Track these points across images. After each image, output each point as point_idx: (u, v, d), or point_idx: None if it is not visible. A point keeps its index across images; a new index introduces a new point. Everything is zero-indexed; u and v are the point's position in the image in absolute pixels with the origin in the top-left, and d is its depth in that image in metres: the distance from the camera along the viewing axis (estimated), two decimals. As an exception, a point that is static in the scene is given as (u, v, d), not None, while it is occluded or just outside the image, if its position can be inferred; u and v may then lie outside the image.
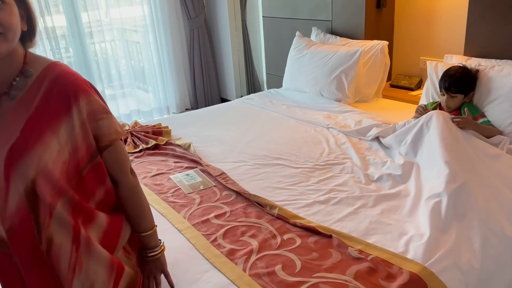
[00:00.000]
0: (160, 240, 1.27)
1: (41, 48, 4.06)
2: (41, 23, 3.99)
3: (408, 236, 1.45)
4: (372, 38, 3.05)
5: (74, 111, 1.00)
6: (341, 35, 3.18)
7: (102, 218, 1.09)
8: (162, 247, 1.27)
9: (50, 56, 4.10)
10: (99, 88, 4.43)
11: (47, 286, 1.04)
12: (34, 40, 1.03)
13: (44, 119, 0.97)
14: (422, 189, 1.72)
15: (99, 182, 1.10)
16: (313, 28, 3.34)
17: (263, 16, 3.93)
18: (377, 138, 2.23)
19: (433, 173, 1.72)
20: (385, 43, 2.87)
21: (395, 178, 1.84)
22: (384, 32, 3.16)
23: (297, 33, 3.31)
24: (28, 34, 1.01)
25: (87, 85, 1.04)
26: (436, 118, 1.92)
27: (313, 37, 3.32)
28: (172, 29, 4.67)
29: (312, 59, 3.00)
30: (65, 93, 0.99)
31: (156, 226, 1.25)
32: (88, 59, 4.27)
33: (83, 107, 1.01)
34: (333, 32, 3.27)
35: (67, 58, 4.28)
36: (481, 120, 2.09)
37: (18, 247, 0.99)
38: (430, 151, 1.84)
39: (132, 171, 1.17)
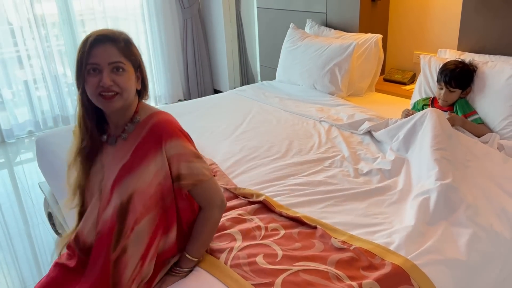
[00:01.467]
0: (190, 270, 1.32)
1: (31, 36, 4.01)
2: (31, 10, 3.93)
3: (393, 229, 1.44)
4: (366, 31, 3.02)
5: (163, 150, 1.24)
6: (335, 28, 3.16)
7: (173, 234, 1.30)
8: (184, 273, 1.32)
9: (38, 44, 4.05)
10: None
11: None
12: (147, 95, 1.34)
13: (145, 151, 1.24)
14: (411, 185, 1.72)
15: (188, 203, 1.33)
16: (307, 20, 3.31)
17: (257, 7, 3.90)
18: (369, 132, 2.22)
19: (423, 171, 1.71)
20: (379, 36, 2.85)
21: (384, 173, 1.83)
22: (379, 26, 3.14)
23: (291, 24, 3.28)
24: (142, 91, 1.32)
25: (179, 132, 1.27)
26: (430, 116, 1.90)
27: (307, 29, 3.29)
28: (165, 18, 4.63)
29: (306, 52, 2.98)
30: (158, 136, 1.25)
31: (198, 260, 1.33)
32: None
33: (170, 148, 1.25)
34: (327, 24, 3.24)
35: (57, 46, 4.23)
36: (472, 118, 2.09)
37: (97, 251, 1.21)
38: (421, 148, 1.83)
39: (222, 205, 1.34)
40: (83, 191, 1.34)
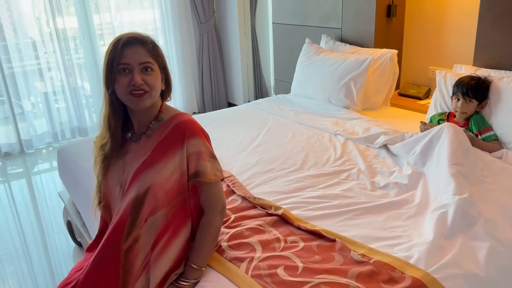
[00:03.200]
0: (196, 281, 1.32)
1: (51, 49, 4.12)
2: (52, 24, 4.05)
3: (412, 243, 1.44)
4: (381, 47, 3.06)
5: (185, 147, 1.31)
6: (350, 43, 3.20)
7: (188, 229, 1.35)
8: (191, 285, 1.31)
9: (59, 56, 4.15)
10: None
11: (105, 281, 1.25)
12: (170, 96, 1.41)
13: (167, 147, 1.31)
14: (428, 199, 1.72)
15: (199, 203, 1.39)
16: (322, 36, 3.36)
17: (273, 23, 3.96)
18: (384, 146, 2.23)
19: (440, 185, 1.72)
20: (395, 51, 2.88)
21: (401, 187, 1.84)
22: (394, 41, 3.17)
23: (307, 40, 3.33)
24: (166, 92, 1.39)
25: (200, 132, 1.35)
26: (446, 131, 1.91)
27: (322, 44, 3.33)
28: (182, 33, 4.72)
29: (321, 66, 3.02)
30: (182, 134, 1.32)
31: (203, 269, 1.34)
32: (98, 61, 4.32)
33: (191, 146, 1.32)
34: (342, 40, 3.28)
35: (77, 59, 4.33)
36: (487, 134, 2.09)
37: (109, 240, 1.26)
38: (438, 163, 1.83)
39: (223, 211, 1.39)
40: (101, 186, 1.42)
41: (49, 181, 3.56)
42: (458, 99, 2.15)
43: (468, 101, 2.13)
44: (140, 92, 1.27)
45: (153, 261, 1.28)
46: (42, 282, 2.32)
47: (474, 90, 2.11)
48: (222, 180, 1.41)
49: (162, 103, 1.40)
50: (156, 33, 4.69)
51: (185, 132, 1.32)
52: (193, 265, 1.33)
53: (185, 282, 1.31)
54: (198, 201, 1.39)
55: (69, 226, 2.56)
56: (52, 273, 2.40)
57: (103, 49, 4.38)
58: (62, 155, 2.43)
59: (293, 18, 3.69)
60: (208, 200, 1.37)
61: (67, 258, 2.53)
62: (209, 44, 4.83)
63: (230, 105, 5.16)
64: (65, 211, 2.56)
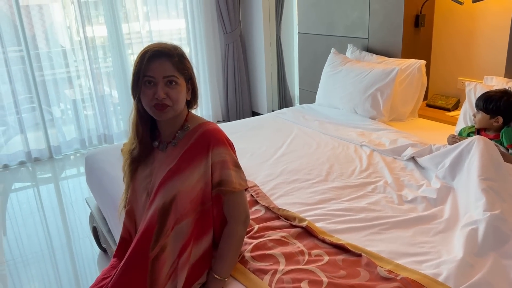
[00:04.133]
0: None
1: (80, 57, 4.22)
2: (82, 33, 4.15)
3: (440, 260, 1.40)
4: (409, 57, 3.01)
5: (209, 156, 1.32)
6: (377, 53, 3.16)
7: (209, 238, 1.35)
8: None
9: (87, 65, 4.25)
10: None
11: None
12: (196, 105, 1.43)
13: (192, 156, 1.32)
14: (458, 214, 1.67)
15: (222, 212, 1.39)
16: (348, 45, 3.33)
17: (298, 32, 3.96)
18: (412, 158, 2.19)
19: (470, 200, 1.67)
20: (423, 62, 2.83)
21: (430, 201, 1.79)
22: (422, 51, 3.12)
23: (333, 49, 3.31)
24: (192, 101, 1.41)
25: (225, 141, 1.36)
26: (477, 144, 1.86)
27: (348, 54, 3.31)
28: (208, 42, 4.77)
29: (347, 76, 2.99)
30: (207, 143, 1.33)
31: (226, 280, 1.34)
32: (126, 69, 4.40)
33: (215, 155, 1.33)
34: (369, 49, 3.25)
35: (105, 68, 4.43)
36: None
37: (136, 249, 1.26)
38: (468, 177, 1.78)
39: (246, 221, 1.39)
40: (128, 190, 1.44)
41: (76, 187, 3.63)
42: (478, 112, 2.13)
43: (491, 118, 2.08)
44: (163, 105, 1.29)
45: (180, 269, 1.29)
46: (67, 287, 2.35)
47: (499, 111, 2.07)
48: (246, 189, 1.40)
49: (188, 112, 1.42)
50: (182, 42, 4.76)
51: (210, 141, 1.33)
52: (215, 276, 1.33)
53: None
54: (221, 211, 1.39)
55: (95, 232, 2.60)
56: (77, 278, 2.43)
57: (131, 57, 4.46)
58: (89, 162, 2.47)
59: (319, 28, 3.68)
60: (232, 210, 1.37)
61: (91, 263, 2.57)
62: (234, 54, 4.87)
63: (254, 114, 5.17)
64: (91, 217, 2.60)
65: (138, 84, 1.30)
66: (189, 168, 1.31)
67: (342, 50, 3.38)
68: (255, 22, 4.78)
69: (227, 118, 5.11)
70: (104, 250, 2.60)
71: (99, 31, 4.31)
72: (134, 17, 4.44)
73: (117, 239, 2.03)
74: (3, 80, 3.94)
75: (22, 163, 4.16)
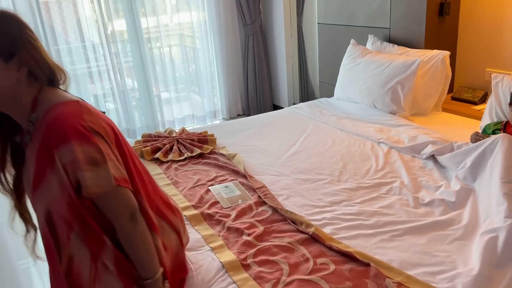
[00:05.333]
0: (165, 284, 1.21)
1: (101, 53, 4.24)
2: (102, 28, 4.17)
3: (455, 272, 1.30)
4: (433, 48, 2.85)
5: (56, 158, 1.03)
6: (399, 44, 3.01)
7: (110, 246, 1.12)
8: None
9: (108, 60, 4.26)
10: (155, 92, 4.55)
11: None
12: (56, 82, 1.12)
13: (44, 159, 1.05)
14: (478, 220, 1.56)
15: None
16: (369, 36, 3.20)
17: (318, 23, 3.83)
18: (432, 157, 2.06)
19: (492, 205, 1.55)
20: (447, 53, 2.67)
21: (448, 205, 1.68)
22: (447, 41, 2.95)
23: (352, 40, 3.18)
24: (41, 78, 1.09)
25: (73, 133, 1.03)
26: (501, 143, 1.72)
27: (369, 45, 3.17)
28: (227, 35, 4.70)
29: (366, 68, 2.86)
30: (48, 143, 1.04)
31: (160, 273, 1.18)
32: (145, 63, 4.40)
33: (62, 156, 1.03)
34: (390, 40, 3.10)
35: (126, 62, 4.44)
36: None
37: (50, 264, 1.14)
38: (491, 179, 1.65)
39: (134, 217, 1.12)
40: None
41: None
42: None
43: None
44: None
45: (103, 271, 1.12)
46: None
47: None
48: (120, 185, 1.09)
49: (36, 96, 1.09)
50: (203, 35, 4.71)
51: (50, 141, 1.03)
52: (144, 281, 1.16)
53: None
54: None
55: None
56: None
57: (151, 52, 4.45)
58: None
59: (339, 18, 3.54)
60: (109, 213, 1.10)
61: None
62: (254, 46, 4.78)
63: (275, 107, 5.08)
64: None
65: None
66: (47, 176, 1.05)
67: (363, 41, 3.25)
68: (275, 12, 4.67)
69: (247, 112, 5.05)
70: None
71: (118, 25, 4.31)
72: (153, 11, 4.41)
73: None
74: (25, 77, 4.00)
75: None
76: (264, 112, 4.85)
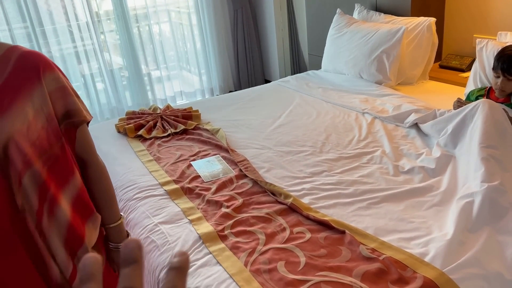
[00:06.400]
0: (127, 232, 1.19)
1: (87, 32, 4.18)
2: (87, 7, 4.09)
3: (430, 237, 1.31)
4: (420, 15, 2.80)
5: (43, 82, 1.01)
6: (385, 12, 2.96)
7: (77, 179, 1.06)
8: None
9: (95, 39, 4.20)
10: (145, 71, 4.51)
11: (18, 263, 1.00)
12: None
13: (15, 87, 0.99)
14: (456, 186, 1.56)
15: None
16: (355, 5, 3.14)
17: (306, -6, 3.76)
18: (416, 125, 2.05)
19: (470, 170, 1.54)
20: (432, 20, 2.63)
21: (428, 172, 1.68)
22: (434, 8, 2.89)
23: (338, 10, 3.12)
24: None
25: (53, 64, 1.05)
26: (481, 108, 1.70)
27: (355, 14, 3.11)
28: (215, 9, 4.61)
29: (352, 38, 2.82)
30: (35, 66, 1.01)
31: (123, 217, 1.17)
32: (133, 42, 4.34)
33: (50, 81, 1.02)
34: (377, 8, 3.05)
35: (113, 41, 4.37)
36: None
37: None
38: (470, 145, 1.65)
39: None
40: None
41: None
42: (498, 76, 1.89)
43: (508, 79, 1.86)
44: None
45: (48, 231, 1.01)
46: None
47: None
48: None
49: None
50: (191, 10, 4.63)
51: (38, 64, 1.01)
52: (113, 225, 1.13)
53: (114, 246, 1.15)
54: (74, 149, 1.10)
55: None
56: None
57: (137, 30, 4.38)
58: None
59: (326, -12, 3.47)
60: (88, 143, 1.10)
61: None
62: (243, 19, 4.70)
63: (267, 82, 5.03)
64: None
65: None
66: (17, 104, 0.99)
67: (350, 11, 3.19)
68: (263, -15, 4.57)
69: (239, 87, 5.01)
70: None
71: (104, 4, 4.23)
72: (139, -13, 4.32)
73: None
74: (11, 59, 3.95)
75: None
76: (256, 87, 4.82)
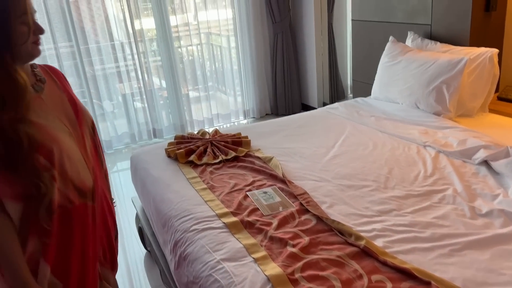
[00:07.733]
0: None
1: (130, 51, 4.21)
2: (131, 27, 4.13)
3: (530, 295, 1.17)
4: (478, 45, 2.69)
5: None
6: (441, 41, 2.86)
7: None
8: None
9: (136, 59, 4.22)
10: (184, 92, 4.50)
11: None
12: None
13: (71, 93, 1.26)
14: (546, 232, 1.42)
15: None
16: (409, 33, 3.05)
17: (352, 19, 3.69)
18: (485, 162, 1.92)
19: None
20: (495, 51, 2.51)
21: (508, 216, 1.54)
22: (493, 39, 2.78)
23: (391, 38, 3.04)
24: None
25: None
26: None
27: (408, 42, 3.02)
28: (256, 33, 4.61)
29: (408, 67, 2.72)
30: (64, 77, 1.28)
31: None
32: (174, 62, 4.34)
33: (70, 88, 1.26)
34: (432, 37, 2.95)
35: (154, 62, 4.40)
36: None
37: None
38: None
39: None
40: None
41: (127, 182, 3.62)
42: None
43: None
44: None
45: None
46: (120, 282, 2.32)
47: None
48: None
49: None
50: (231, 33, 4.63)
51: (63, 75, 1.28)
52: None
53: None
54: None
55: (141, 232, 2.55)
56: (123, 276, 2.39)
57: (179, 50, 4.40)
58: (134, 162, 2.41)
59: (375, 14, 3.40)
60: None
61: (139, 262, 2.52)
62: (283, 43, 4.67)
63: (304, 106, 4.96)
64: (137, 217, 2.55)
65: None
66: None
67: (401, 38, 3.10)
68: (305, 9, 4.54)
69: (275, 111, 4.95)
70: (149, 251, 2.55)
71: (147, 24, 4.27)
72: (182, 9, 4.35)
73: (161, 243, 1.95)
74: (55, 76, 3.99)
75: (75, 158, 4.22)
76: (293, 111, 4.74)
